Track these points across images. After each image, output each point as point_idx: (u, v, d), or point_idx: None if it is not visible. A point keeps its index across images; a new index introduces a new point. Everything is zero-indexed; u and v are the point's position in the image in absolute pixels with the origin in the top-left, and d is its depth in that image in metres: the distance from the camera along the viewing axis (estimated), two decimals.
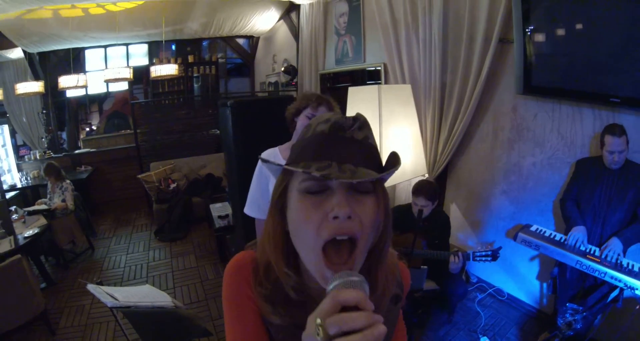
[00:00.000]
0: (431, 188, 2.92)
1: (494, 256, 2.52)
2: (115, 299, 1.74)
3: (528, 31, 2.69)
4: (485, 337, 3.04)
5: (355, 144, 0.67)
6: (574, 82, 2.58)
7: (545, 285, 3.24)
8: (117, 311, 2.42)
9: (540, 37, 2.68)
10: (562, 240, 2.49)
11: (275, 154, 2.13)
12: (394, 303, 0.83)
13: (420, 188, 2.90)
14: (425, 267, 2.58)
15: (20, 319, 3.18)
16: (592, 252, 2.35)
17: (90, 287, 1.86)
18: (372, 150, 0.70)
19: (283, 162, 2.13)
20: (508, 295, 3.55)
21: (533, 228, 2.68)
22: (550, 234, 2.59)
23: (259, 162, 2.16)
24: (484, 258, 2.52)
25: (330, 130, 0.68)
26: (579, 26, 2.47)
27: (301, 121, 2.01)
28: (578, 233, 2.43)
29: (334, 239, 0.63)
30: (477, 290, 3.74)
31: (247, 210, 2.18)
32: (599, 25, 2.36)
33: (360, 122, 0.69)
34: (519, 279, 3.45)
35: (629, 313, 2.46)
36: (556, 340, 2.44)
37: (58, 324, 3.57)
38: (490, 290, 3.67)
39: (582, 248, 2.38)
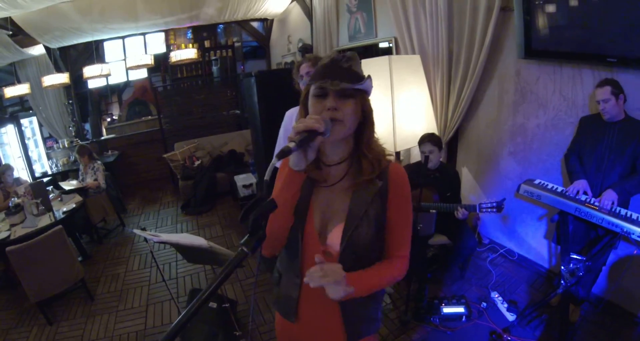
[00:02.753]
0: (434, 135, 3.09)
1: (499, 207, 2.66)
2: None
3: None
4: (495, 292, 3.20)
5: (343, 70, 1.06)
6: (573, 45, 2.71)
7: (553, 245, 3.37)
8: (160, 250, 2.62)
9: (538, 4, 2.81)
10: (563, 192, 2.62)
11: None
12: (379, 196, 1.16)
13: (424, 137, 3.07)
14: (434, 211, 2.77)
15: (63, 285, 3.48)
16: (591, 202, 2.45)
17: (137, 231, 2.13)
18: (353, 73, 1.07)
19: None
20: (518, 255, 3.71)
21: (536, 181, 2.81)
22: (552, 186, 2.71)
23: (284, 119, 2.45)
24: (489, 209, 2.67)
25: (328, 62, 1.09)
26: None
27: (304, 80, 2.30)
28: (579, 186, 2.55)
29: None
30: (489, 250, 3.90)
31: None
32: None
33: (347, 57, 1.08)
34: (528, 240, 3.60)
35: (626, 265, 2.67)
36: (560, 289, 2.55)
37: (95, 291, 3.87)
38: (501, 251, 3.83)
39: (583, 198, 2.50)
